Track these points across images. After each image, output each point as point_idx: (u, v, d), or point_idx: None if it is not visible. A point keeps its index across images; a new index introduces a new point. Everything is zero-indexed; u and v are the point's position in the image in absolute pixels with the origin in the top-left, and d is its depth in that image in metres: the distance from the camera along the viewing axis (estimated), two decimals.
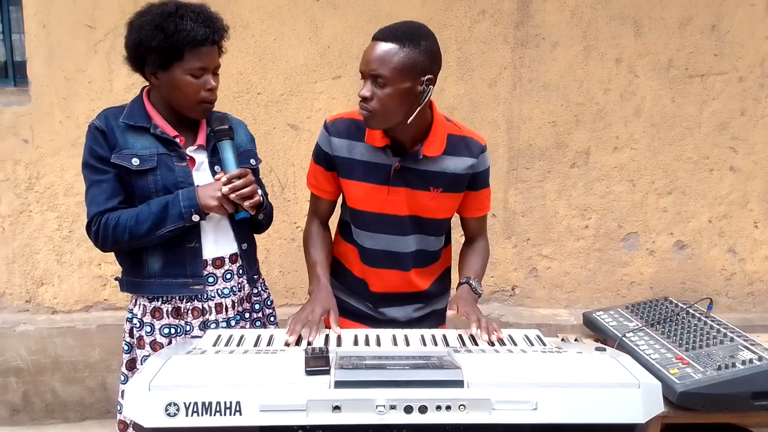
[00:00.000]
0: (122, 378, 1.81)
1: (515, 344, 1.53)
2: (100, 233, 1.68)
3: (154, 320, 1.75)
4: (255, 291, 1.89)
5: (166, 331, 1.75)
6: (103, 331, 2.89)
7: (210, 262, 1.76)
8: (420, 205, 1.73)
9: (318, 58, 2.82)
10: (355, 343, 1.55)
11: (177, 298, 1.75)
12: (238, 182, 1.64)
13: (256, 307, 1.90)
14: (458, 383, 1.23)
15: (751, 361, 1.80)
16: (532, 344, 1.54)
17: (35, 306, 2.96)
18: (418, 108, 1.59)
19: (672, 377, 1.88)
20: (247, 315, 1.86)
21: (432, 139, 1.68)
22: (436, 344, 1.53)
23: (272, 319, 1.96)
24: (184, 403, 1.19)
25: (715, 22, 2.87)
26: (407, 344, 1.54)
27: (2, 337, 2.87)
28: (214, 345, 1.49)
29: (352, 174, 1.73)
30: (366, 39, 1.62)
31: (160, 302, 1.75)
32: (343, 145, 1.72)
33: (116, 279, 1.83)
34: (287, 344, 1.51)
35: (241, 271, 1.83)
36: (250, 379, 1.24)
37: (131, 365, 1.79)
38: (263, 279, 1.98)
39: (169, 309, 1.75)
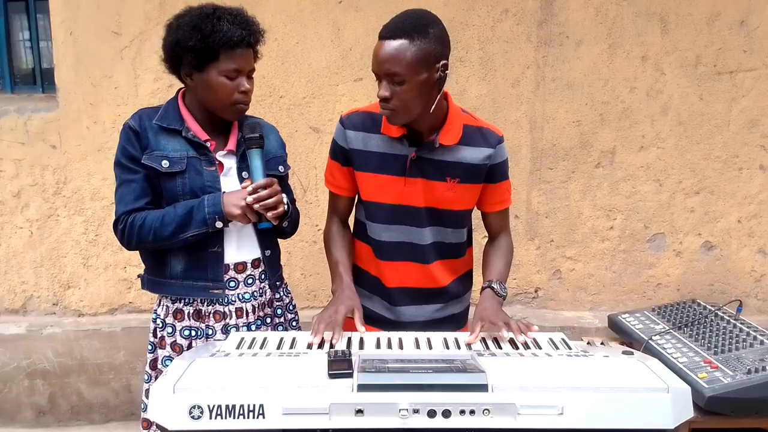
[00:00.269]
0: (146, 377, 1.84)
1: (540, 348, 1.51)
2: (126, 232, 1.70)
3: (176, 321, 1.77)
4: (277, 296, 1.89)
5: (186, 333, 1.77)
6: (128, 333, 2.93)
7: (232, 267, 1.76)
8: (437, 196, 1.71)
9: (340, 60, 2.83)
10: (378, 345, 1.54)
11: (198, 300, 1.76)
12: (263, 192, 1.64)
13: (278, 312, 1.90)
14: (482, 387, 1.21)
15: None
16: (557, 348, 1.51)
17: (62, 309, 3.01)
18: (438, 95, 1.60)
19: (700, 381, 1.85)
20: (268, 320, 1.86)
21: (448, 128, 1.67)
22: (459, 347, 1.52)
23: (294, 324, 1.95)
24: (208, 406, 1.19)
25: (744, 18, 2.80)
26: (430, 347, 1.52)
27: (30, 340, 2.92)
28: (238, 347, 1.49)
29: (368, 166, 1.72)
30: None
31: (182, 304, 1.77)
32: (359, 137, 1.72)
33: (138, 276, 1.85)
34: (310, 346, 1.51)
35: (263, 276, 1.83)
36: (273, 382, 1.24)
37: (154, 365, 1.82)
38: (286, 284, 1.98)
39: (191, 311, 1.77)
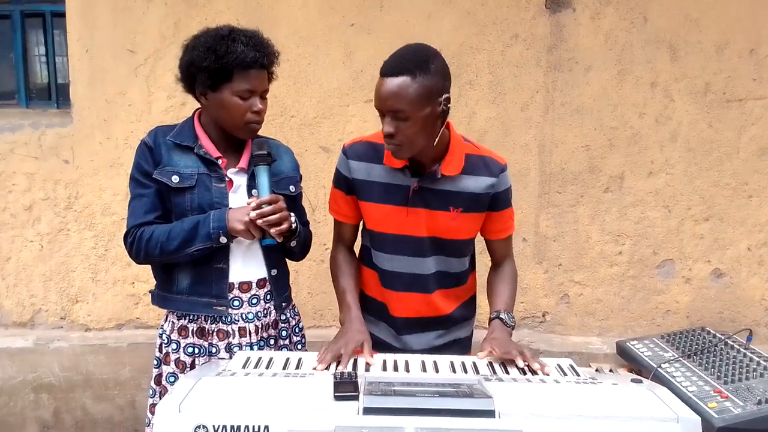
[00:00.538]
0: (150, 392, 1.85)
1: (547, 374, 1.50)
2: (135, 245, 1.72)
3: (180, 338, 1.78)
4: (283, 317, 1.88)
5: (190, 350, 1.77)
6: (134, 349, 2.92)
7: (236, 286, 1.77)
8: (440, 226, 1.71)
9: (351, 81, 2.85)
10: (384, 368, 1.53)
11: (203, 318, 1.77)
12: (266, 209, 1.64)
13: (283, 334, 1.88)
14: (489, 413, 1.20)
15: None
16: (565, 374, 1.50)
17: (69, 323, 3.01)
18: (442, 127, 1.61)
19: (710, 411, 1.82)
20: (272, 341, 1.85)
21: (450, 158, 1.68)
22: (466, 371, 1.51)
23: (300, 347, 1.94)
24: (213, 426, 1.19)
25: (753, 47, 2.82)
26: (436, 371, 1.51)
27: (37, 354, 2.92)
28: (244, 367, 1.49)
29: (371, 196, 1.73)
30: None
31: (187, 320, 1.78)
32: (362, 167, 1.73)
33: (150, 291, 1.87)
34: (315, 367, 1.50)
35: (268, 297, 1.82)
36: (278, 402, 1.24)
37: (158, 380, 1.82)
38: (294, 305, 1.97)
39: (195, 328, 1.77)
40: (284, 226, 1.67)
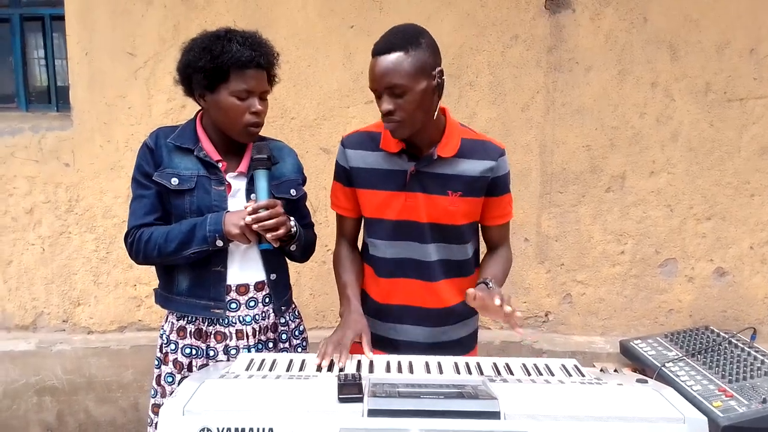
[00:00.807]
0: (152, 392, 1.85)
1: (552, 374, 1.49)
2: (134, 246, 1.73)
3: (179, 339, 1.78)
4: (282, 321, 1.87)
5: (187, 351, 1.78)
6: (136, 351, 2.92)
7: (234, 288, 1.76)
8: (439, 211, 1.71)
9: (351, 83, 2.85)
10: (388, 369, 1.52)
11: (200, 319, 1.77)
12: (262, 213, 1.63)
13: (283, 337, 1.87)
14: (494, 414, 1.19)
15: None
16: (570, 374, 1.49)
17: (71, 326, 3.01)
18: (439, 101, 1.63)
19: (715, 410, 1.82)
20: (271, 345, 1.84)
21: (446, 141, 1.69)
22: (470, 372, 1.50)
23: (299, 350, 1.92)
24: (218, 429, 1.18)
25: (753, 46, 2.82)
26: (440, 372, 1.51)
27: (39, 357, 2.92)
28: (247, 369, 1.49)
29: (369, 182, 1.74)
30: None
31: (185, 322, 1.78)
32: (359, 155, 1.74)
33: (154, 290, 1.87)
34: (319, 368, 1.50)
35: (267, 300, 1.81)
36: (282, 405, 1.23)
37: (158, 380, 1.82)
38: (295, 308, 1.96)
39: (192, 330, 1.77)
40: (281, 231, 1.65)
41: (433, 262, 1.76)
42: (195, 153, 1.73)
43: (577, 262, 2.99)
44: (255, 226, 1.63)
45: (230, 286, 1.75)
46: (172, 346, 1.79)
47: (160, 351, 1.82)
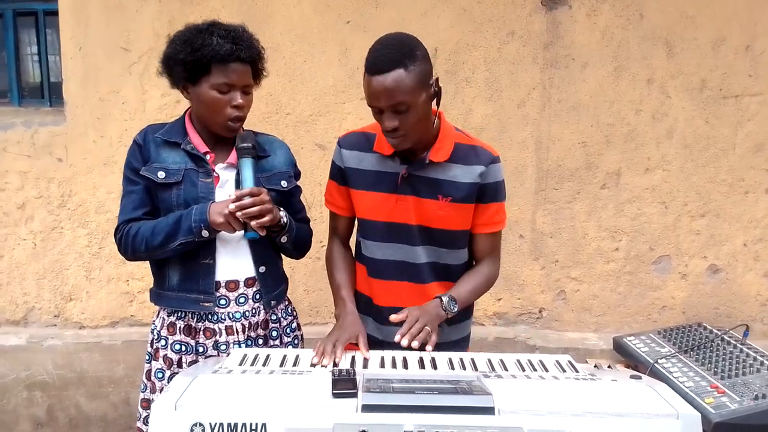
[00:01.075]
0: (142, 386, 1.85)
1: (546, 370, 1.49)
2: (123, 241, 1.73)
3: (169, 335, 1.78)
4: (273, 317, 1.85)
5: (177, 347, 1.77)
6: (128, 347, 2.91)
7: (223, 284, 1.75)
8: (428, 215, 1.70)
9: (346, 79, 2.84)
10: (382, 365, 1.52)
11: (190, 315, 1.76)
12: (246, 201, 1.61)
13: (274, 334, 1.85)
14: (489, 410, 1.19)
15: None
16: (564, 370, 1.49)
17: (63, 321, 2.99)
18: (438, 108, 1.66)
19: (707, 407, 1.82)
20: (260, 341, 1.82)
21: (439, 146, 1.69)
22: (464, 368, 1.50)
23: (291, 348, 1.89)
24: (210, 424, 1.18)
25: (749, 43, 2.82)
26: (434, 367, 1.51)
27: (30, 351, 2.90)
28: (240, 364, 1.48)
29: (362, 184, 1.74)
30: None
31: (175, 317, 1.78)
32: (353, 156, 1.75)
33: (150, 289, 1.87)
34: (313, 364, 1.49)
35: (257, 296, 1.80)
36: (276, 400, 1.23)
37: (149, 375, 1.82)
38: (288, 304, 1.94)
39: (182, 326, 1.77)
40: (266, 218, 1.63)
41: (422, 265, 1.75)
42: (182, 146, 1.72)
43: (572, 258, 3.00)
44: (239, 214, 1.61)
45: (220, 282, 1.74)
46: (163, 342, 1.78)
47: (151, 346, 1.82)
